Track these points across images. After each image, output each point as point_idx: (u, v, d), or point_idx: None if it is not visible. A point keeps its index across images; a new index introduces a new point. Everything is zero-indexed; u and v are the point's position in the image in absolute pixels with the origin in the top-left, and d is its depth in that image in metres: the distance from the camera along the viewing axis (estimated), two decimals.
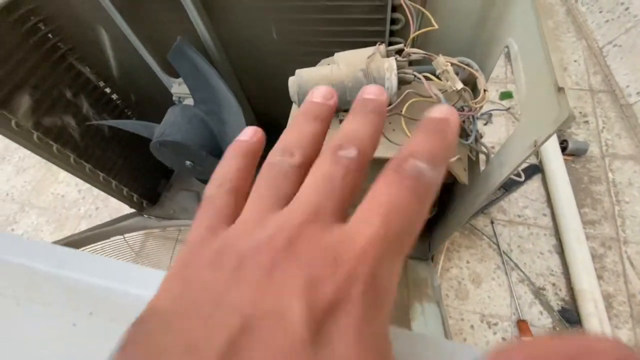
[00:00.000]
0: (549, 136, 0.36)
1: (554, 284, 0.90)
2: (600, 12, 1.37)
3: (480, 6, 0.56)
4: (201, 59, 0.62)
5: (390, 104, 0.48)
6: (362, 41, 0.63)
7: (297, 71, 0.50)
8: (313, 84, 0.48)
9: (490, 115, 1.21)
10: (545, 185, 1.04)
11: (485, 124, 1.21)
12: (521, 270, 0.92)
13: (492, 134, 1.17)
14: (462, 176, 0.51)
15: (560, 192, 0.97)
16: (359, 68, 0.47)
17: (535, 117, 0.40)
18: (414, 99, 0.49)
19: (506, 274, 0.93)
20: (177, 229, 1.10)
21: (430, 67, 0.51)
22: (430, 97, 0.47)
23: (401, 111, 0.48)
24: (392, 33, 0.63)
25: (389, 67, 0.46)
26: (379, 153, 0.45)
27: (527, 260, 0.94)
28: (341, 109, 0.51)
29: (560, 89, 0.34)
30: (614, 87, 1.22)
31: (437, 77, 0.47)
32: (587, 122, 1.15)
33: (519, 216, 1.01)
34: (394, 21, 0.60)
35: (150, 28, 0.69)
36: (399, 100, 0.47)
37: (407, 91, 0.47)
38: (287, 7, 0.60)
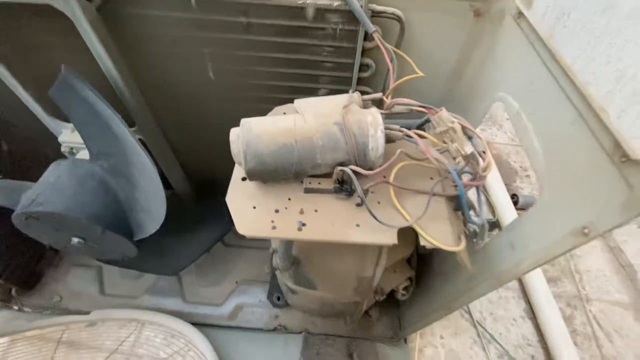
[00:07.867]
0: (616, 226, 0.25)
1: (532, 356, 0.82)
2: None
3: (456, 58, 0.50)
4: (99, 99, 0.44)
5: (372, 169, 0.35)
6: (320, 87, 0.52)
7: (244, 121, 0.34)
8: (268, 140, 0.33)
9: None
10: None
11: None
12: (498, 344, 0.82)
13: None
14: (468, 261, 0.38)
15: None
16: (332, 121, 0.34)
17: (575, 195, 0.30)
18: (403, 162, 0.37)
19: (484, 349, 0.81)
20: (61, 327, 0.76)
21: (416, 122, 0.40)
22: (424, 160, 0.36)
23: (390, 179, 0.35)
24: (359, 81, 0.53)
25: (374, 121, 0.34)
26: (359, 238, 0.31)
27: (501, 329, 0.85)
28: (307, 173, 0.37)
29: (627, 161, 0.24)
30: None
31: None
32: (528, 175, 1.20)
33: None
34: (362, 67, 0.51)
35: (31, 57, 0.49)
36: (388, 163, 0.35)
37: (398, 151, 0.35)
38: (230, 41, 0.47)
